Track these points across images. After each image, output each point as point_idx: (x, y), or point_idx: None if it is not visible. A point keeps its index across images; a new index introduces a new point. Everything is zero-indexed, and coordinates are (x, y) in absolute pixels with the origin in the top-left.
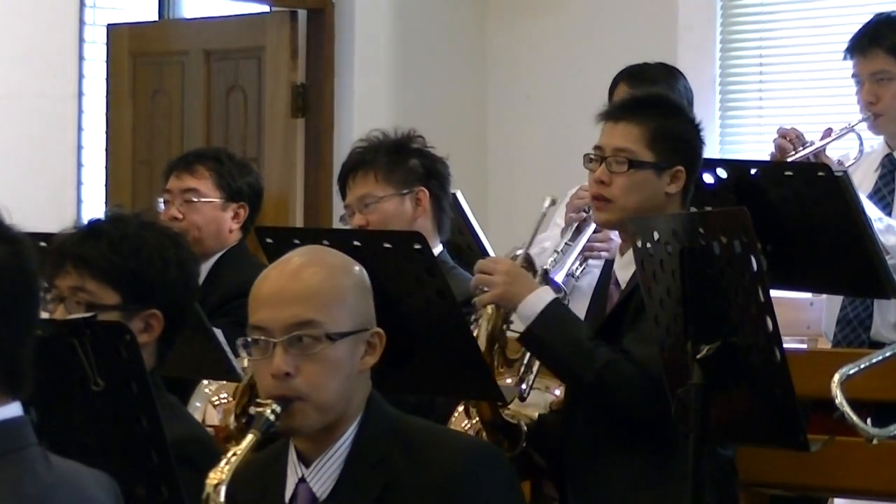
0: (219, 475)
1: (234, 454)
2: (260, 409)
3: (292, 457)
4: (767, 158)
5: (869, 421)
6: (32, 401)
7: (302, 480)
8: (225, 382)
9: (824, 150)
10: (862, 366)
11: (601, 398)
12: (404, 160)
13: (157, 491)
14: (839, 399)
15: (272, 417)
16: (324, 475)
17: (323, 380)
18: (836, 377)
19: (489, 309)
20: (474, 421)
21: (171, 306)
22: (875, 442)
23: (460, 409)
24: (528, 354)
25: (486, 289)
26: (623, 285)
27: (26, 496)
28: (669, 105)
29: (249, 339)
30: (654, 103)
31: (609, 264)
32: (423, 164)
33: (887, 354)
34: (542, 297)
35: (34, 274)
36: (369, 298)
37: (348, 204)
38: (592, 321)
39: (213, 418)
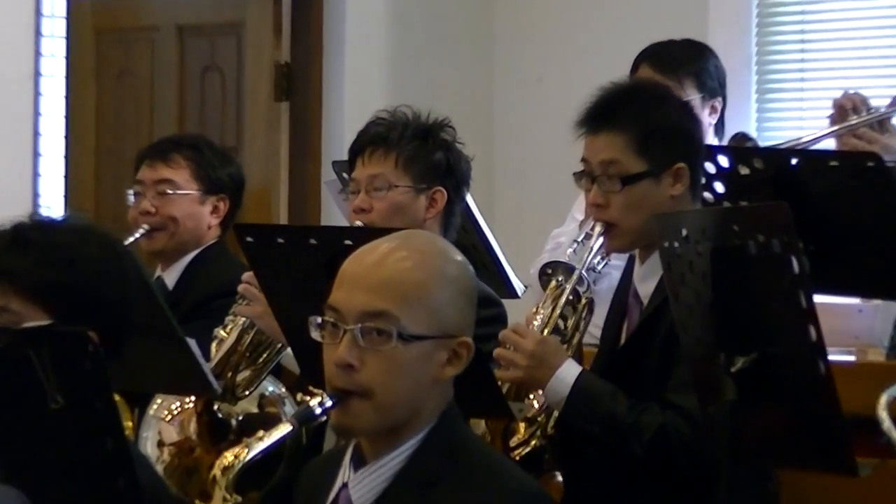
0: (232, 459)
1: (261, 439)
2: (306, 398)
3: (347, 457)
4: (818, 129)
5: None
6: None
7: (345, 486)
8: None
9: (890, 119)
10: None
11: (656, 467)
12: (430, 151)
13: None
14: (887, 423)
15: (317, 409)
16: (368, 485)
17: (388, 379)
18: (884, 398)
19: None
20: None
21: (109, 326)
22: None
23: None
24: (545, 409)
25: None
26: (644, 301)
27: None
28: (650, 94)
29: (321, 320)
30: (631, 99)
31: (632, 262)
32: (448, 160)
33: None
34: (564, 381)
35: None
36: (463, 301)
37: (355, 179)
38: (609, 331)
39: (172, 435)
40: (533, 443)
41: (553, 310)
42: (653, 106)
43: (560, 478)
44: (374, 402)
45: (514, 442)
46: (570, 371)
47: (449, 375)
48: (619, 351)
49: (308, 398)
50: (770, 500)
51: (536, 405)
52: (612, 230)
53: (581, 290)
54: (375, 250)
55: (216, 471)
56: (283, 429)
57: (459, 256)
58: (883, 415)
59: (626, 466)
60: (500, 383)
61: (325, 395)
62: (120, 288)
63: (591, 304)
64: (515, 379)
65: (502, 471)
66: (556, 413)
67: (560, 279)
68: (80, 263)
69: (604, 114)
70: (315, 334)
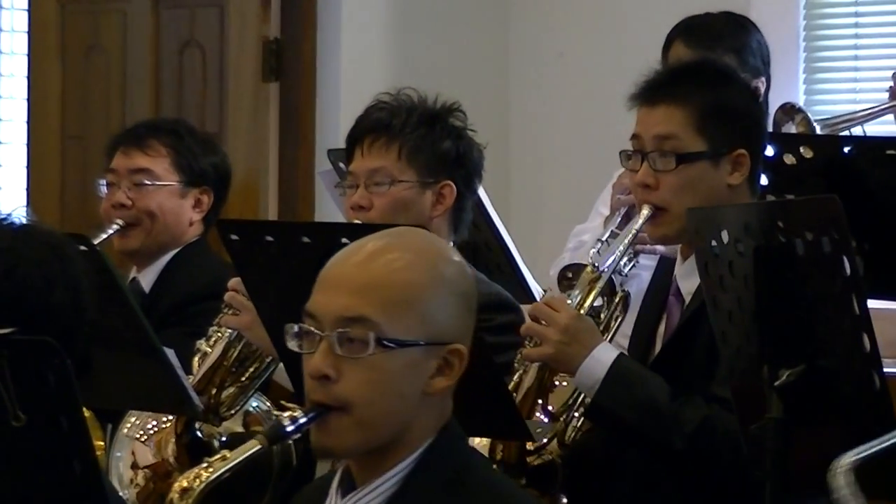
0: (190, 482)
1: (224, 458)
2: (278, 414)
3: (335, 483)
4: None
5: None
6: None
7: None
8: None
9: None
10: (871, 450)
11: (698, 463)
12: (438, 139)
13: None
14: (844, 491)
15: (289, 426)
16: None
17: (369, 392)
18: (841, 464)
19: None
20: None
21: (58, 335)
22: None
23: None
24: (573, 407)
25: (536, 341)
26: (687, 299)
27: None
28: (717, 72)
29: (298, 328)
30: (696, 73)
31: (664, 264)
32: (457, 150)
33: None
34: (601, 361)
35: None
36: (457, 305)
37: (353, 172)
38: (640, 336)
39: (147, 457)
40: (549, 451)
41: (588, 293)
42: (719, 83)
43: (565, 500)
44: (355, 418)
45: (531, 446)
46: (607, 352)
47: (439, 388)
48: (661, 349)
49: (281, 413)
50: None
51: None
52: (661, 216)
53: (617, 281)
54: (361, 249)
55: (174, 494)
56: (251, 447)
57: (457, 257)
58: (840, 481)
59: (636, 492)
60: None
61: (298, 410)
62: (67, 293)
63: (626, 299)
64: (545, 356)
65: (504, 493)
66: (579, 414)
67: (597, 265)
68: (22, 269)
69: (665, 85)
70: (292, 344)
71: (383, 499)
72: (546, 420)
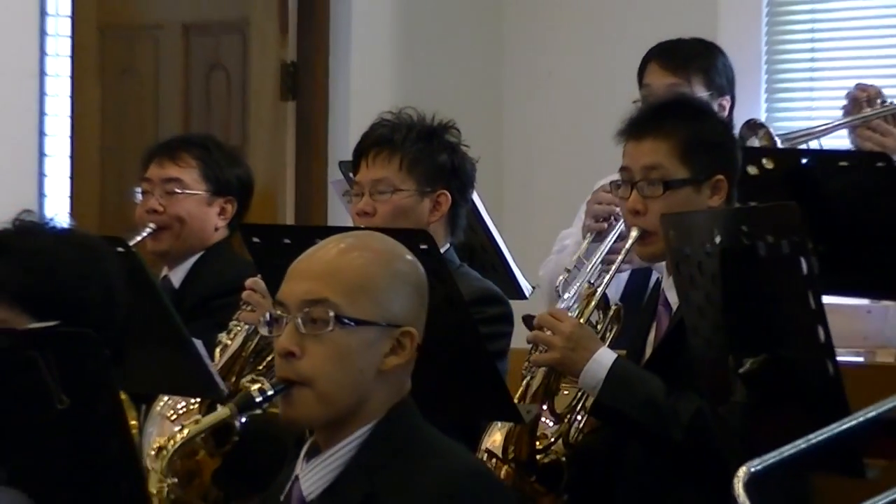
0: (164, 441)
1: (197, 422)
2: (248, 384)
3: (303, 451)
4: (826, 122)
5: None
6: None
7: (296, 478)
8: None
9: None
10: (771, 461)
11: (695, 452)
12: (434, 152)
13: None
14: (742, 498)
15: (257, 397)
16: (316, 475)
17: (329, 367)
18: (741, 472)
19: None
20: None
21: (95, 327)
22: None
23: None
24: (576, 409)
25: (543, 348)
26: (674, 308)
27: None
28: (695, 107)
29: (270, 315)
30: (678, 109)
31: (637, 274)
32: (452, 163)
33: (801, 447)
34: (602, 363)
35: None
36: (409, 294)
37: (359, 181)
38: (634, 342)
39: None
40: (555, 451)
41: (586, 306)
42: (698, 118)
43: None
44: (316, 391)
45: (540, 445)
46: (607, 355)
47: (392, 365)
48: (653, 352)
49: (249, 384)
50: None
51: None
52: (649, 237)
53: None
54: (323, 245)
55: (149, 450)
56: (221, 414)
57: (410, 256)
58: (741, 493)
59: (636, 486)
60: (531, 373)
61: (265, 383)
62: (103, 291)
63: (619, 312)
64: (551, 361)
65: (450, 455)
66: (582, 415)
67: (592, 281)
68: (61, 268)
69: (649, 121)
70: (264, 331)
71: (341, 462)
72: (552, 422)
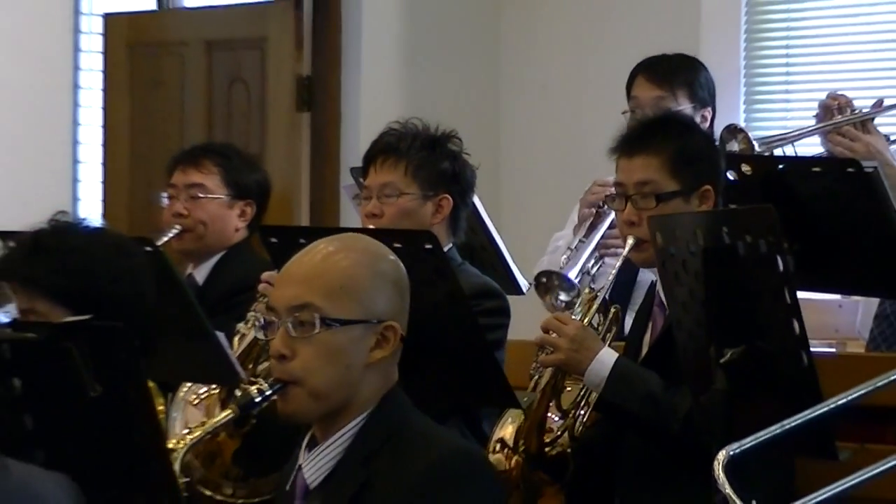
0: (176, 443)
1: (203, 424)
2: (246, 387)
3: (304, 443)
4: (800, 128)
5: None
6: (27, 407)
7: (300, 468)
8: None
9: (872, 119)
10: (749, 444)
11: (691, 442)
12: (437, 159)
13: (159, 501)
14: (722, 479)
15: (256, 397)
16: (318, 464)
17: (317, 365)
18: (721, 455)
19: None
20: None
21: (125, 320)
22: None
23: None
24: (580, 405)
25: (549, 349)
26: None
27: None
28: (682, 124)
29: (263, 320)
30: (665, 126)
31: (632, 266)
32: (454, 169)
33: (777, 432)
34: (605, 362)
35: None
36: (390, 291)
37: (368, 186)
38: (631, 341)
39: (197, 418)
40: (561, 444)
41: (588, 310)
42: (684, 133)
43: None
44: (309, 388)
45: (547, 438)
46: (609, 354)
47: (378, 358)
48: (649, 349)
49: (247, 387)
50: (783, 488)
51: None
52: (643, 244)
53: (587, 280)
54: (308, 251)
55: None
56: (225, 415)
57: (392, 256)
58: (720, 475)
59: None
60: (540, 369)
61: (262, 383)
62: (133, 286)
63: (617, 315)
64: (557, 362)
65: (437, 438)
66: (586, 410)
67: (593, 287)
68: (94, 266)
69: (640, 138)
70: (260, 335)
71: (339, 451)
72: (558, 417)
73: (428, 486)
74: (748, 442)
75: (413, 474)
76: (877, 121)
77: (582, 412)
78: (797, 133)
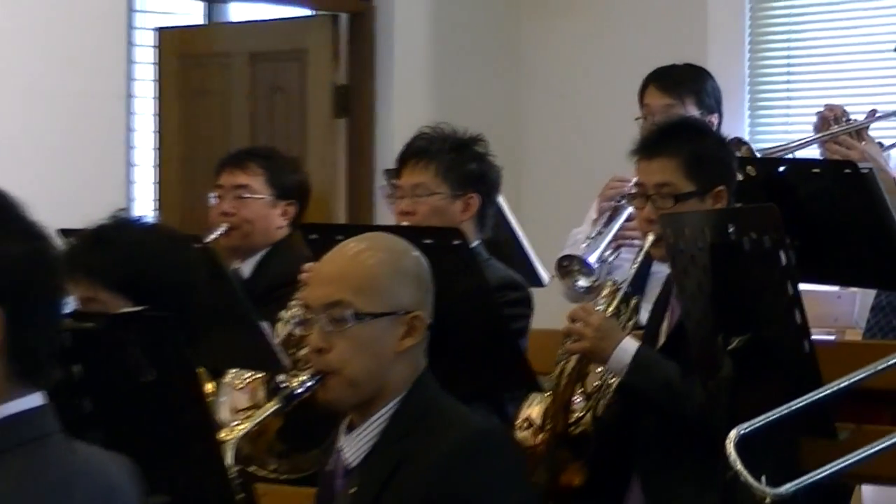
0: (228, 434)
1: (252, 416)
2: (288, 381)
3: (343, 427)
4: (802, 135)
5: (764, 479)
6: (86, 391)
7: (339, 450)
8: None
9: (867, 128)
10: (758, 424)
11: (705, 425)
12: (465, 161)
13: (207, 479)
14: (734, 457)
15: (298, 388)
16: (357, 446)
17: (353, 356)
18: (733, 434)
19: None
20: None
21: (181, 308)
22: (768, 501)
23: (534, 411)
24: (602, 389)
25: (576, 338)
26: None
27: (50, 483)
28: (696, 128)
29: (299, 317)
30: (681, 130)
31: (646, 259)
32: (480, 169)
33: (785, 412)
34: (627, 350)
35: (56, 270)
36: (414, 284)
37: (401, 186)
38: (650, 330)
39: (242, 401)
40: (585, 422)
41: (612, 300)
42: (700, 137)
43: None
44: (345, 378)
45: (571, 419)
46: (630, 343)
47: (407, 346)
48: (666, 338)
49: (293, 380)
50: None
51: (595, 382)
52: (661, 241)
53: (604, 269)
54: (336, 252)
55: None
56: (271, 406)
57: (415, 252)
58: (732, 452)
59: (649, 450)
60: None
61: (302, 375)
62: (187, 277)
63: (637, 305)
64: (582, 349)
65: (465, 418)
66: (607, 393)
67: (615, 280)
68: (151, 258)
69: (658, 142)
70: (297, 330)
71: (375, 433)
72: (582, 399)
73: (457, 462)
74: (757, 422)
75: (443, 452)
76: (871, 129)
77: (603, 395)
78: (797, 144)
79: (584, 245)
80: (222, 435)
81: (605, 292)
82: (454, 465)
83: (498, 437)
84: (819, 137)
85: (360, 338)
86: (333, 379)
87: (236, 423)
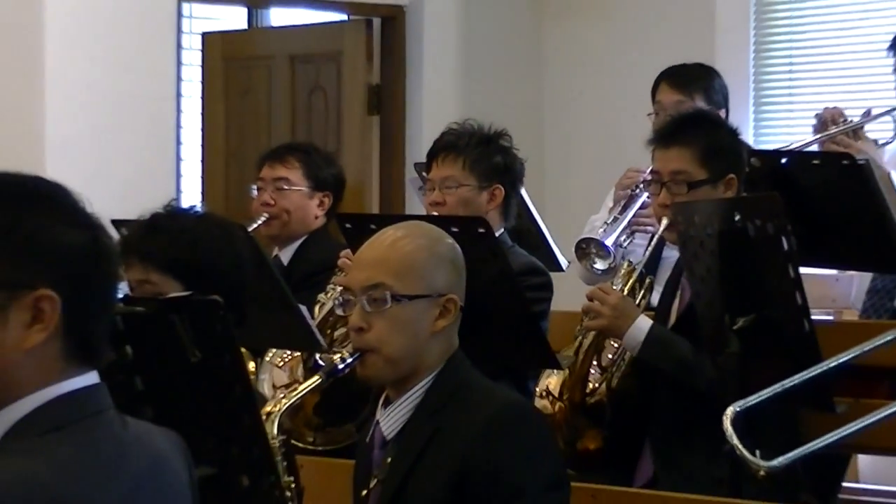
0: (273, 407)
1: (295, 389)
2: (331, 356)
3: (380, 402)
4: (804, 135)
5: (758, 453)
6: (138, 370)
7: (377, 423)
8: None
9: (862, 128)
10: (753, 402)
11: (716, 398)
12: (491, 155)
13: (250, 451)
14: (730, 432)
15: (339, 364)
16: (393, 419)
17: (390, 335)
18: (729, 411)
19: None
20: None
21: (228, 292)
22: (762, 473)
23: (552, 382)
24: (617, 362)
25: (593, 315)
26: None
27: (105, 454)
28: (710, 120)
29: (341, 298)
30: (697, 121)
31: (659, 243)
32: (505, 162)
33: (777, 390)
34: (641, 328)
35: (111, 257)
36: (449, 268)
37: (431, 178)
38: (661, 309)
39: (282, 378)
40: (600, 393)
41: (627, 282)
42: (713, 128)
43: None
44: (383, 355)
45: (588, 389)
46: (645, 321)
47: (442, 327)
48: (678, 318)
49: (335, 356)
50: (790, 436)
51: (610, 356)
52: (674, 226)
53: (619, 253)
54: (376, 238)
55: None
56: (313, 380)
57: (449, 239)
58: (728, 428)
59: (661, 420)
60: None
61: (344, 352)
62: (234, 261)
63: (651, 284)
64: (600, 326)
65: (494, 393)
66: (622, 367)
67: (631, 261)
68: (201, 243)
69: (674, 132)
70: (339, 311)
71: (410, 407)
72: (598, 372)
73: (488, 433)
74: (752, 399)
75: (475, 423)
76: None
77: (618, 369)
78: (797, 147)
79: (601, 230)
80: (267, 409)
81: (621, 272)
82: (488, 436)
83: (527, 409)
84: (818, 138)
85: (398, 318)
86: (372, 357)
87: (282, 396)
